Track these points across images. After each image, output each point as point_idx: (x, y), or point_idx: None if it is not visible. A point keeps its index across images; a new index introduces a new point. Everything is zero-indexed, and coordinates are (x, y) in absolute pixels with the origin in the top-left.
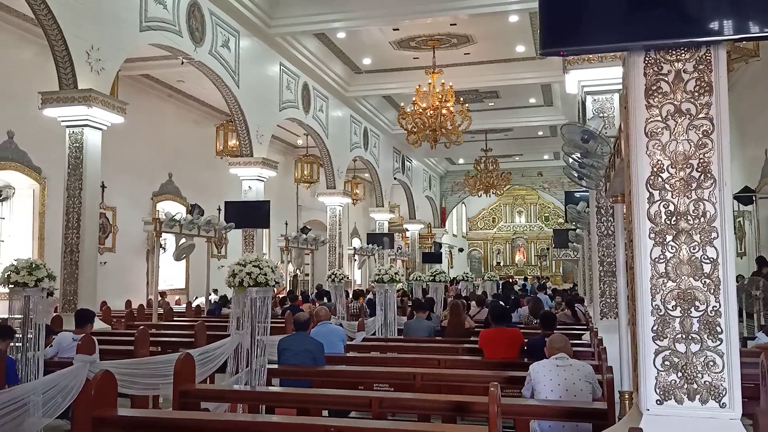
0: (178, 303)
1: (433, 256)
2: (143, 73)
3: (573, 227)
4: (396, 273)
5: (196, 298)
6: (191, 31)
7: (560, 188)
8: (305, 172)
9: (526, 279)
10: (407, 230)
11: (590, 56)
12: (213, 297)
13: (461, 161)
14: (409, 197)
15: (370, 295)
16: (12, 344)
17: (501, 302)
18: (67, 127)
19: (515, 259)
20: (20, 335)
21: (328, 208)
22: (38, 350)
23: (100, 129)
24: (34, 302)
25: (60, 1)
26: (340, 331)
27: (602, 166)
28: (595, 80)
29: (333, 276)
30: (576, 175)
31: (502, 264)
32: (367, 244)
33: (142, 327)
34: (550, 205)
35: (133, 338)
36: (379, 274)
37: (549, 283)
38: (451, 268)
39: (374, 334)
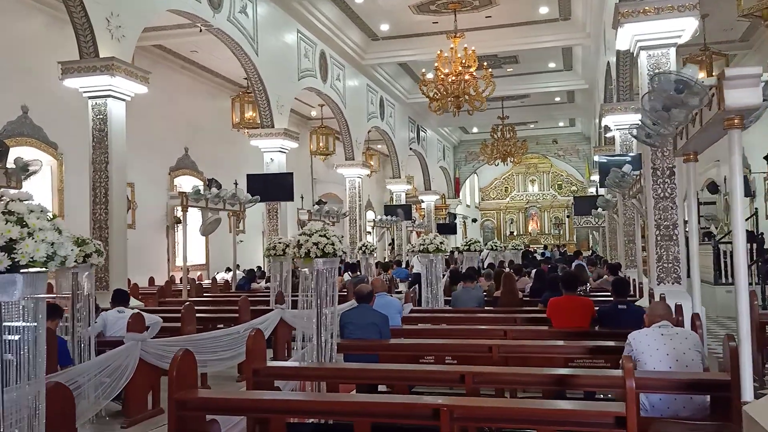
0: (200, 279)
1: (448, 227)
2: (155, 44)
3: (594, 194)
4: (441, 242)
5: (218, 273)
6: None
7: (575, 155)
8: (320, 144)
9: (545, 247)
10: (423, 201)
11: (646, 8)
12: (237, 272)
13: (475, 130)
14: (424, 168)
15: (413, 265)
16: (60, 323)
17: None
18: (90, 98)
19: (529, 228)
20: (68, 314)
21: (347, 179)
22: (89, 329)
23: (123, 100)
24: (83, 279)
25: None
26: (396, 302)
27: (679, 122)
28: (650, 33)
29: (363, 247)
30: (645, 133)
31: (515, 233)
32: (385, 215)
33: (188, 303)
34: (563, 173)
35: (176, 315)
36: (424, 244)
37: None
38: (465, 238)
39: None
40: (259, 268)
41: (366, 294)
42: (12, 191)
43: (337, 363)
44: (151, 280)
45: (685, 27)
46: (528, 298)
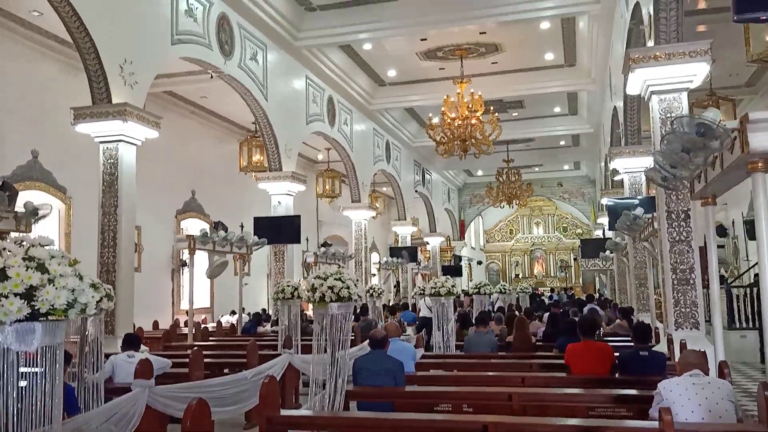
0: (204, 322)
1: (453, 269)
2: (166, 90)
3: (600, 237)
4: (453, 286)
5: (222, 316)
6: (221, 44)
7: (581, 198)
8: (327, 187)
9: (553, 290)
10: (428, 243)
11: (657, 54)
12: (243, 315)
13: (480, 173)
14: (429, 210)
15: (420, 308)
16: (68, 369)
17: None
18: (101, 143)
19: (534, 271)
20: (75, 359)
21: (354, 222)
22: (96, 375)
23: (134, 144)
24: (93, 324)
25: (93, 13)
26: (410, 348)
27: (698, 165)
28: (661, 78)
29: (371, 290)
30: (661, 176)
31: (521, 276)
32: (390, 257)
33: (195, 348)
34: (567, 216)
35: (183, 360)
36: (435, 287)
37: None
38: (471, 280)
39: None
40: (264, 310)
41: (380, 339)
42: (32, 236)
43: (353, 412)
44: (155, 324)
45: (697, 72)
46: (541, 343)
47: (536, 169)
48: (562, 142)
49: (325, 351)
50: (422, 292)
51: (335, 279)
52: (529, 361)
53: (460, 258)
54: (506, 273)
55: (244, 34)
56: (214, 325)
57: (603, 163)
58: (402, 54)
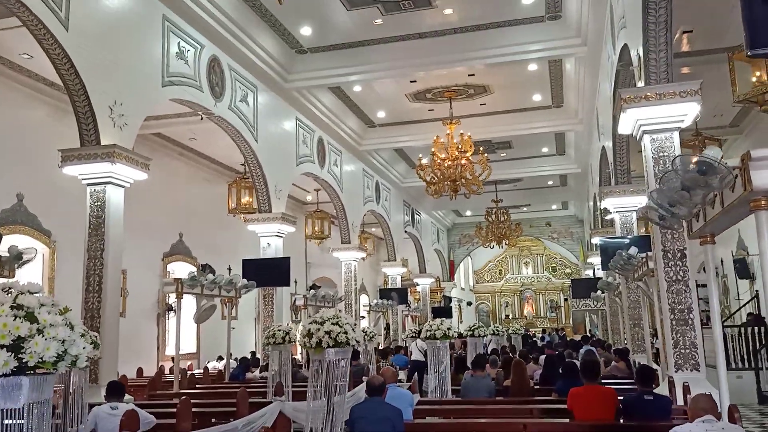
0: (190, 368)
1: (443, 311)
2: (154, 132)
3: (590, 276)
4: (449, 328)
5: (209, 362)
6: (211, 86)
7: (569, 237)
8: (316, 228)
9: (544, 331)
10: (417, 284)
11: (648, 94)
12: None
13: (468, 213)
14: (419, 250)
15: (411, 351)
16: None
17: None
18: (89, 185)
19: (524, 312)
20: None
21: (343, 263)
22: (80, 429)
23: (123, 186)
24: (77, 373)
25: (83, 55)
26: (408, 394)
27: (696, 204)
28: (653, 119)
29: (363, 334)
30: (658, 215)
31: (510, 317)
32: (380, 299)
33: (184, 398)
34: (556, 256)
35: (170, 410)
36: (430, 330)
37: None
38: (461, 322)
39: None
40: (253, 353)
41: (378, 386)
42: (20, 281)
43: None
44: (140, 371)
45: (687, 111)
46: (538, 387)
47: (524, 208)
48: (550, 182)
49: (322, 398)
50: (415, 334)
51: (332, 323)
52: (530, 406)
53: (450, 299)
54: (496, 314)
55: (234, 76)
56: (201, 371)
57: (592, 203)
58: (391, 95)
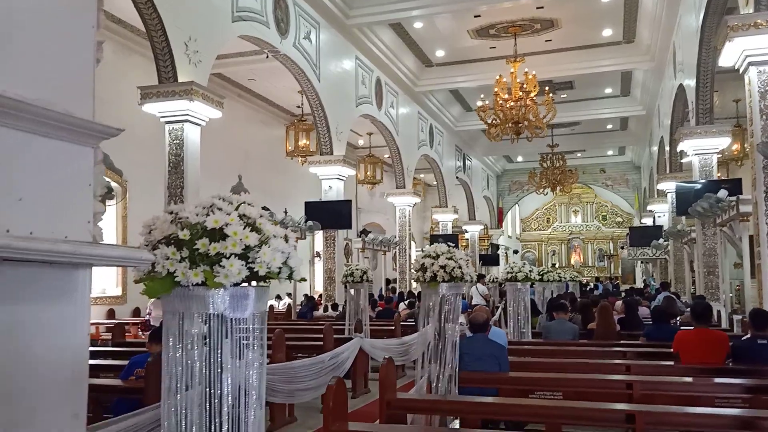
0: None
1: (490, 258)
2: (214, 72)
3: (649, 225)
4: (530, 271)
5: (268, 301)
6: (277, 22)
7: (624, 185)
8: (368, 173)
9: (598, 279)
10: (466, 231)
11: (759, 21)
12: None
13: (519, 159)
14: (469, 197)
15: (472, 296)
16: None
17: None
18: (167, 122)
19: (571, 261)
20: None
21: (398, 208)
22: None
23: (199, 125)
24: None
25: None
26: (502, 333)
27: None
28: (763, 49)
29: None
30: None
31: (557, 265)
32: (430, 245)
33: (278, 330)
34: (607, 204)
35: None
36: (511, 272)
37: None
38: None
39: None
40: (320, 296)
41: (482, 323)
42: (234, 196)
43: (472, 397)
44: None
45: None
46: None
47: (578, 154)
48: (609, 126)
49: (437, 334)
50: (476, 279)
51: (447, 258)
52: (626, 350)
53: (497, 247)
54: (542, 262)
55: (298, 11)
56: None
57: (656, 147)
58: (452, 32)
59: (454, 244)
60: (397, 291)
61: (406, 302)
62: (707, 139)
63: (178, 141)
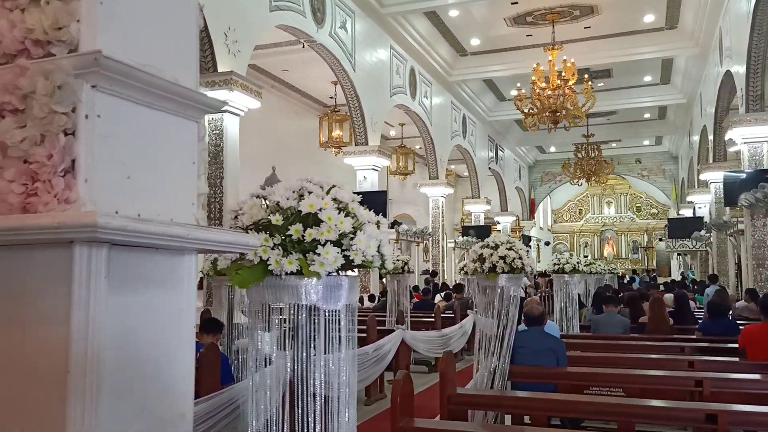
0: None
1: None
2: (249, 63)
3: (688, 216)
4: (578, 262)
5: None
6: (314, 11)
7: (661, 175)
8: (400, 164)
9: (635, 272)
10: (498, 223)
11: None
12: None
13: (552, 149)
14: (501, 188)
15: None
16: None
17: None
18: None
19: (604, 253)
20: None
21: (431, 199)
22: (245, 341)
23: (238, 115)
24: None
25: None
26: (556, 327)
27: None
28: None
29: (465, 267)
30: None
31: (590, 258)
32: (463, 237)
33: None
34: (642, 195)
35: None
36: (558, 264)
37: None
38: (539, 262)
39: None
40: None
41: (538, 315)
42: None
43: (537, 393)
44: None
45: None
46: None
47: (613, 144)
48: (647, 115)
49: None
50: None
51: (507, 248)
52: (684, 344)
53: (529, 238)
54: (575, 254)
55: (334, 1)
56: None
57: (697, 136)
58: (488, 20)
59: (485, 234)
60: (435, 283)
61: (442, 294)
62: (758, 126)
63: (217, 131)
